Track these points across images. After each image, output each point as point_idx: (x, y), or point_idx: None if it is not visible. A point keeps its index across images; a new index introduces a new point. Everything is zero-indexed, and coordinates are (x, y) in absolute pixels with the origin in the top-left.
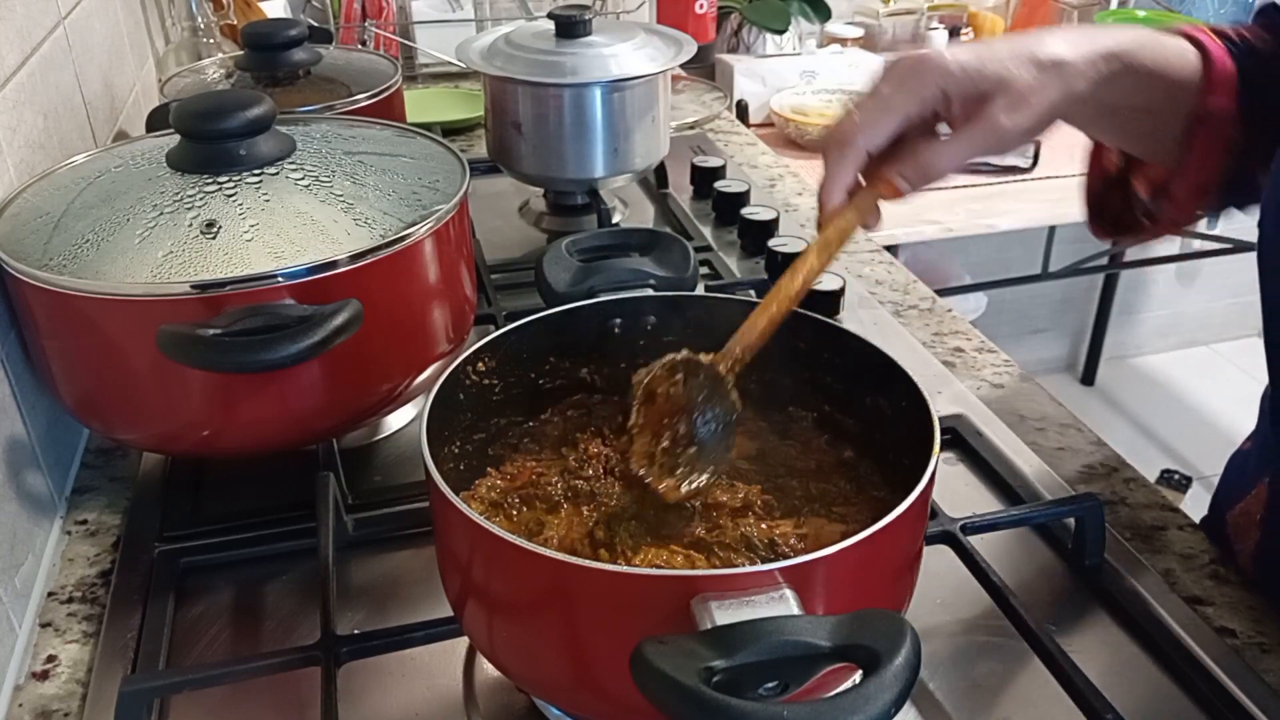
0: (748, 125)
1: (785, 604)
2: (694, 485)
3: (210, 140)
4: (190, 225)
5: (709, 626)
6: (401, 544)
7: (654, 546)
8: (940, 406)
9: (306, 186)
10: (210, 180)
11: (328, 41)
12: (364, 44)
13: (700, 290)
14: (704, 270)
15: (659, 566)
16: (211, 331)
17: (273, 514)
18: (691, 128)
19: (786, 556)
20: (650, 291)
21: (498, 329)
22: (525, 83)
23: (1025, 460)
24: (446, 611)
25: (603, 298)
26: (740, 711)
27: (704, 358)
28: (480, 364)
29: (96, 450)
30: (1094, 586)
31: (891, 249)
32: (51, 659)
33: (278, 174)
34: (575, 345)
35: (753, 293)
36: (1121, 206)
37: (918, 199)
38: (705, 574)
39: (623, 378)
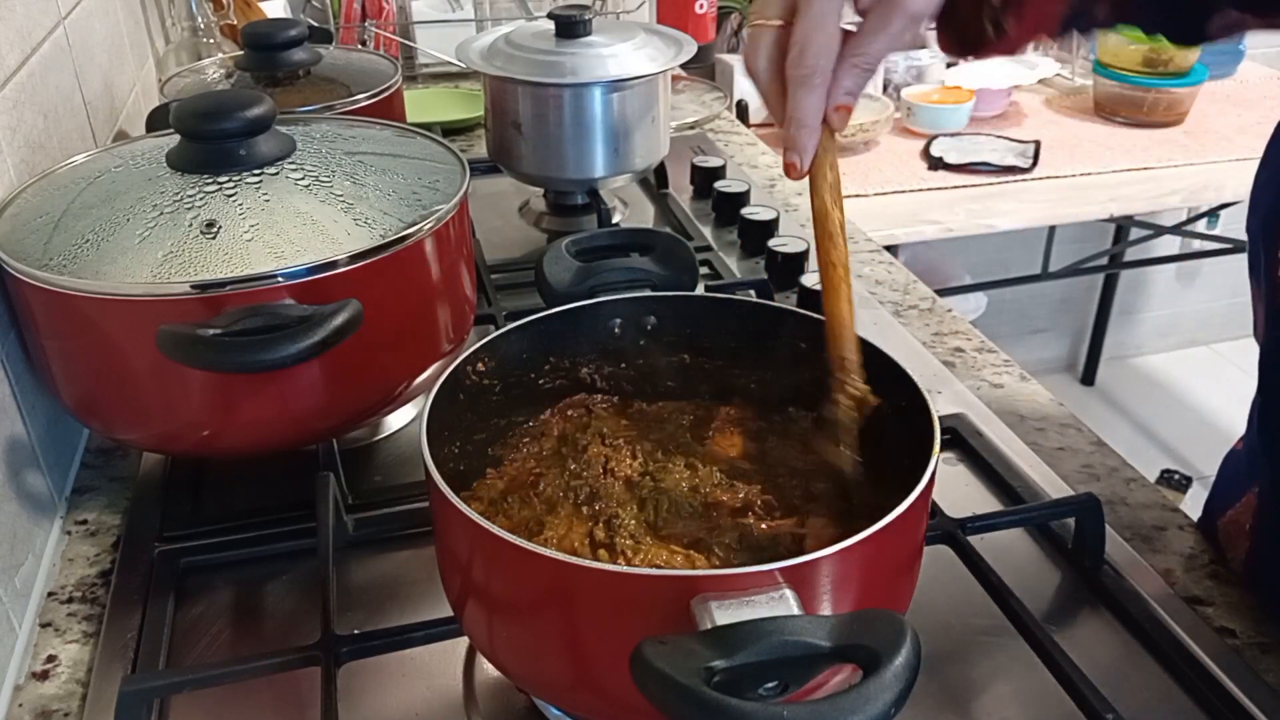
0: (748, 125)
1: (785, 604)
2: None
3: (210, 140)
4: (190, 225)
5: (709, 626)
6: (401, 544)
7: (654, 546)
8: (940, 406)
9: (306, 186)
10: (210, 180)
11: (328, 41)
12: (364, 44)
13: (700, 290)
14: (704, 270)
15: (659, 566)
16: (211, 331)
17: (273, 514)
18: (691, 128)
19: (786, 556)
20: (650, 291)
21: (498, 329)
22: (525, 83)
23: (1025, 460)
24: (446, 611)
25: (603, 298)
26: (740, 711)
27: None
28: (480, 364)
29: (96, 450)
30: (1094, 586)
31: (891, 249)
32: (51, 659)
33: (278, 174)
34: (575, 345)
35: (752, 293)
36: (970, 13)
37: (918, 199)
38: (705, 574)
39: (623, 378)
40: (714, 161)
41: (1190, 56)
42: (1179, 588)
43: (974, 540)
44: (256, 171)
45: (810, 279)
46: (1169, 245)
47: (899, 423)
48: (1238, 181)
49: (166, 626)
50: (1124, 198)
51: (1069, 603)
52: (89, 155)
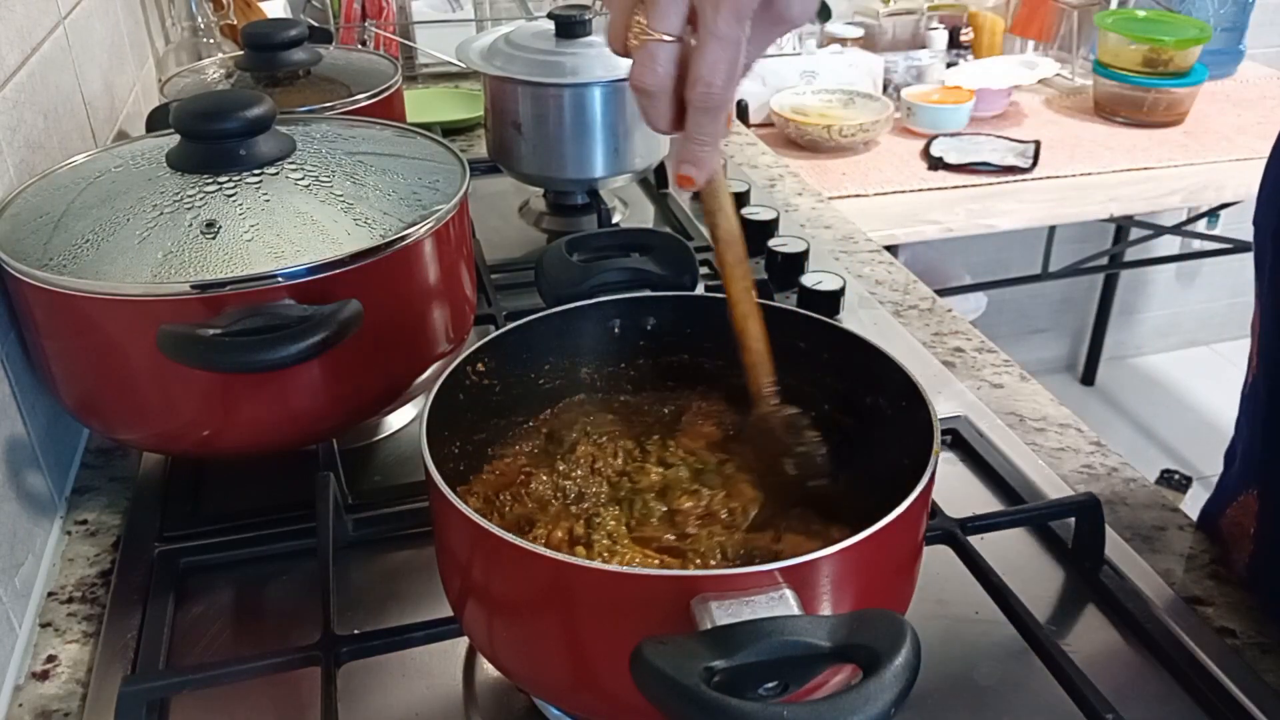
0: (748, 125)
1: (785, 604)
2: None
3: (210, 140)
4: (190, 225)
5: (709, 626)
6: (401, 544)
7: (630, 549)
8: (940, 406)
9: (306, 186)
10: (210, 180)
11: (328, 41)
12: (364, 44)
13: (700, 290)
14: (704, 270)
15: (660, 567)
16: (211, 331)
17: (273, 514)
18: None
19: (780, 558)
20: (650, 291)
21: (498, 329)
22: (525, 83)
23: (1025, 460)
24: (446, 611)
25: (603, 298)
26: (740, 711)
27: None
28: (480, 364)
29: (96, 450)
30: (1094, 586)
31: (891, 249)
32: (51, 659)
33: (278, 174)
34: (575, 345)
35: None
36: None
37: (917, 199)
38: (705, 574)
39: (623, 378)
40: None
41: (1190, 56)
42: (1179, 588)
43: (974, 540)
44: (256, 171)
45: (811, 279)
46: (1169, 245)
47: (899, 423)
48: (1238, 181)
49: (166, 626)
50: (1124, 198)
51: (1069, 603)
52: (89, 155)
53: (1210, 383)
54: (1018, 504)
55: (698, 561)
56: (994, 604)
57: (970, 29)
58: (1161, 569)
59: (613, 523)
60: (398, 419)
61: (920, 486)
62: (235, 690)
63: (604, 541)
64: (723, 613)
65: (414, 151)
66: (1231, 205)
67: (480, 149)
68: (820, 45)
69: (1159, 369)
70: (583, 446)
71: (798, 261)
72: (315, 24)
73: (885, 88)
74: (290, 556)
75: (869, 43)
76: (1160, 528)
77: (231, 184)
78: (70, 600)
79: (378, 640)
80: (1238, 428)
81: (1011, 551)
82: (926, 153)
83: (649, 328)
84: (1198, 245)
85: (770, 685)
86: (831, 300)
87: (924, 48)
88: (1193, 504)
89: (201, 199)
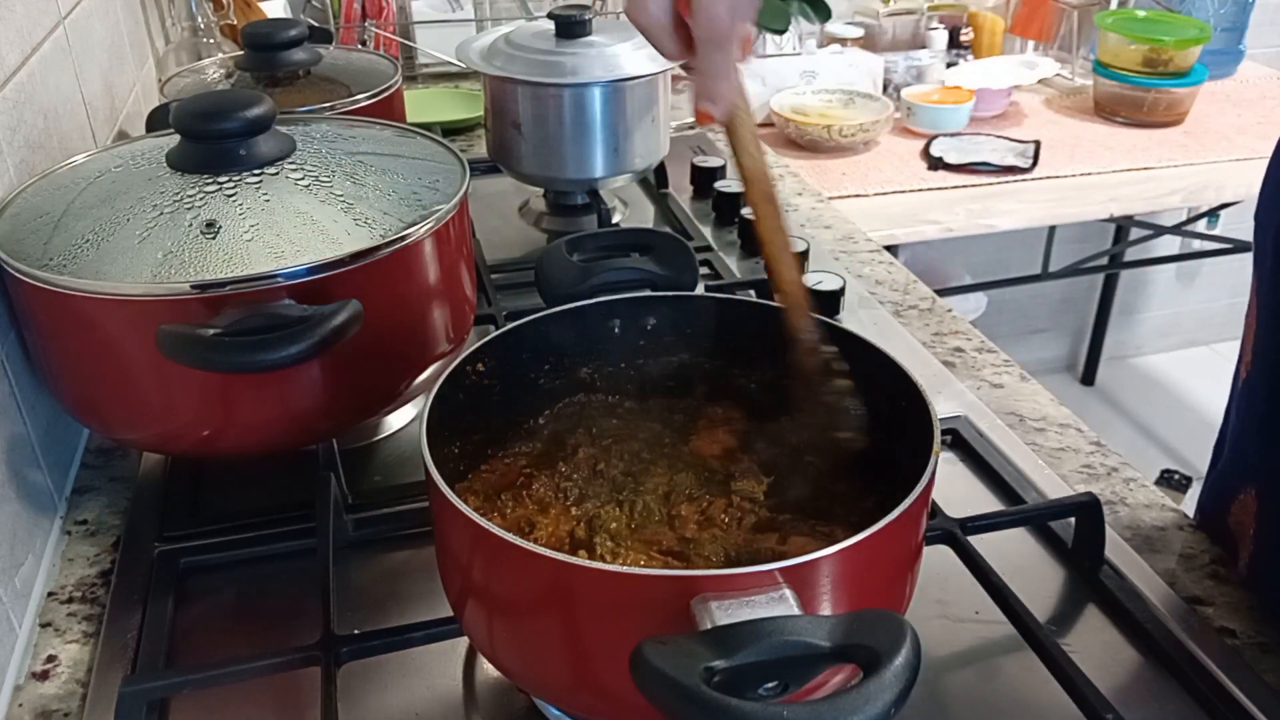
0: None
1: (785, 604)
2: None
3: (210, 140)
4: (190, 225)
5: (709, 626)
6: (401, 544)
7: (632, 551)
8: (940, 406)
9: (306, 186)
10: (210, 180)
11: (328, 41)
12: (364, 44)
13: (700, 290)
14: (704, 270)
15: (661, 567)
16: (211, 331)
17: (273, 514)
18: (691, 128)
19: (784, 559)
20: (650, 291)
21: (498, 329)
22: (525, 83)
23: (1025, 460)
24: (446, 611)
25: (603, 298)
26: (740, 711)
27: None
28: (480, 364)
29: (96, 450)
30: (1094, 586)
31: (891, 249)
32: (51, 659)
33: (278, 174)
34: (575, 345)
35: (752, 293)
36: None
37: (918, 199)
38: (705, 574)
39: (623, 378)
40: (714, 161)
41: (1190, 56)
42: (1179, 588)
43: (974, 540)
44: (256, 171)
45: (811, 279)
46: (1169, 245)
47: (899, 423)
48: (1238, 181)
49: (166, 626)
50: (1124, 198)
51: (1069, 603)
52: (89, 155)
53: (1210, 383)
54: (1018, 504)
55: (700, 562)
56: (994, 604)
57: (970, 29)
58: (1161, 569)
59: (614, 524)
60: (398, 419)
61: (920, 486)
62: (235, 690)
63: (607, 544)
64: (723, 613)
65: (414, 151)
66: (1231, 205)
67: (480, 149)
68: (820, 45)
69: (1159, 369)
70: (584, 449)
71: (798, 262)
72: (315, 24)
73: (885, 88)
74: (290, 556)
75: (869, 43)
76: (1160, 528)
77: (231, 184)
78: (70, 600)
79: (378, 640)
80: (1227, 415)
81: (1011, 551)
82: (926, 153)
83: (649, 328)
84: (1198, 245)
85: (770, 685)
86: (831, 300)
87: (924, 48)
88: (1193, 504)
89: (201, 199)
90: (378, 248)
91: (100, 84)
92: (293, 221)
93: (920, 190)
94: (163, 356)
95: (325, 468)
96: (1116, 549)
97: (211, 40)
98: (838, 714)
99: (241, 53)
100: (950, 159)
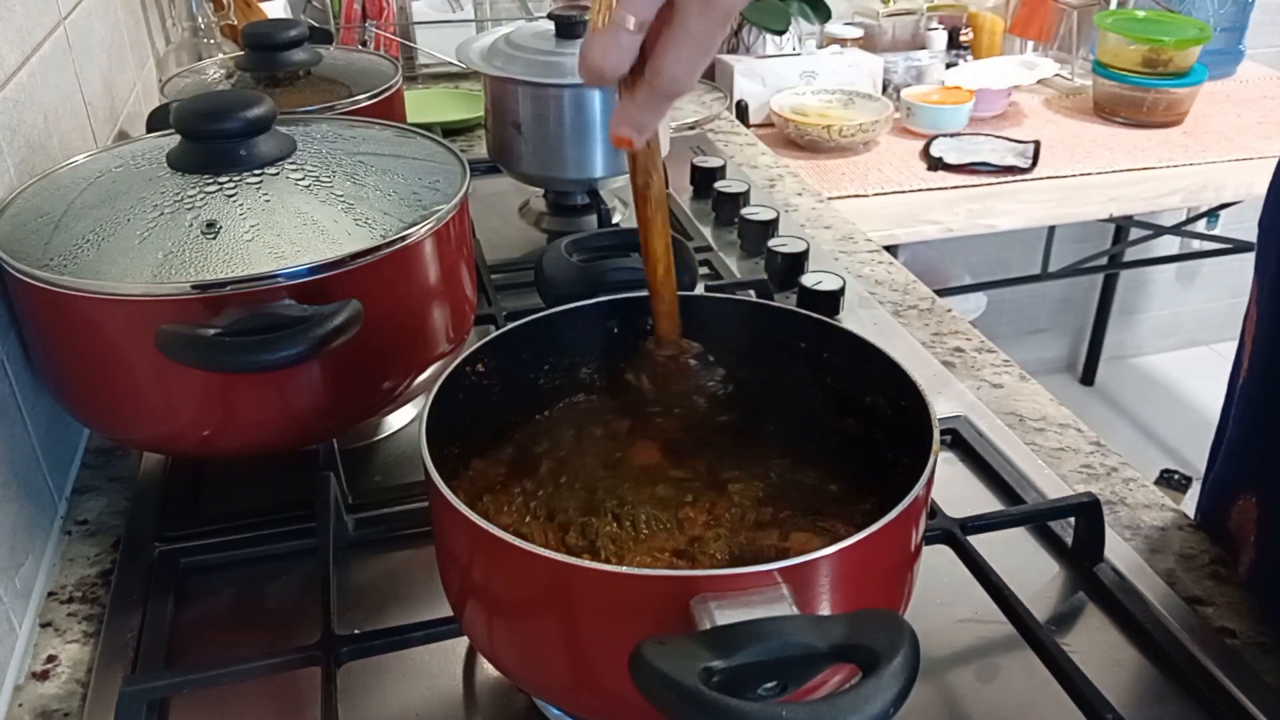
0: (747, 125)
1: (784, 604)
2: None
3: (210, 140)
4: (190, 225)
5: (708, 627)
6: (401, 544)
7: (636, 550)
8: (940, 406)
9: (307, 187)
10: (210, 180)
11: (328, 42)
12: (364, 44)
13: (700, 290)
14: (704, 270)
15: (661, 567)
16: (211, 331)
17: (273, 514)
18: (691, 128)
19: (786, 556)
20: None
21: (498, 329)
22: (525, 83)
23: (1025, 460)
24: (446, 611)
25: (603, 298)
26: (740, 711)
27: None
28: (480, 364)
29: (96, 450)
30: (1094, 586)
31: (891, 249)
32: (51, 659)
33: (278, 174)
34: (575, 345)
35: (752, 293)
36: None
37: (917, 199)
38: (705, 574)
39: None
40: (714, 162)
41: (1190, 56)
42: (1179, 588)
43: (974, 540)
44: (257, 172)
45: (810, 279)
46: (1169, 245)
47: (898, 423)
48: (1238, 181)
49: (166, 626)
50: (1124, 198)
51: (1069, 603)
52: (89, 155)
53: (1210, 383)
54: (1017, 504)
55: (705, 560)
56: (994, 604)
57: (970, 29)
58: (1161, 569)
59: (615, 525)
60: (398, 419)
61: (920, 486)
62: (235, 690)
63: (609, 546)
64: (722, 613)
65: (414, 152)
66: (1231, 205)
67: (480, 149)
68: (820, 45)
69: (1159, 369)
70: (585, 450)
71: (798, 262)
72: (315, 24)
73: (885, 88)
74: (290, 556)
75: (869, 43)
76: (1160, 528)
77: (232, 184)
78: (70, 600)
79: (378, 640)
80: (1224, 419)
81: (1011, 551)
82: (926, 153)
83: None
84: (1197, 245)
85: (769, 685)
86: (831, 300)
87: (924, 48)
88: (1193, 504)
89: (202, 199)
90: (378, 248)
91: (100, 84)
92: (293, 221)
93: (920, 190)
94: (163, 356)
95: (325, 468)
96: (1116, 549)
97: (212, 40)
98: (837, 714)
99: (242, 53)
100: (950, 159)
